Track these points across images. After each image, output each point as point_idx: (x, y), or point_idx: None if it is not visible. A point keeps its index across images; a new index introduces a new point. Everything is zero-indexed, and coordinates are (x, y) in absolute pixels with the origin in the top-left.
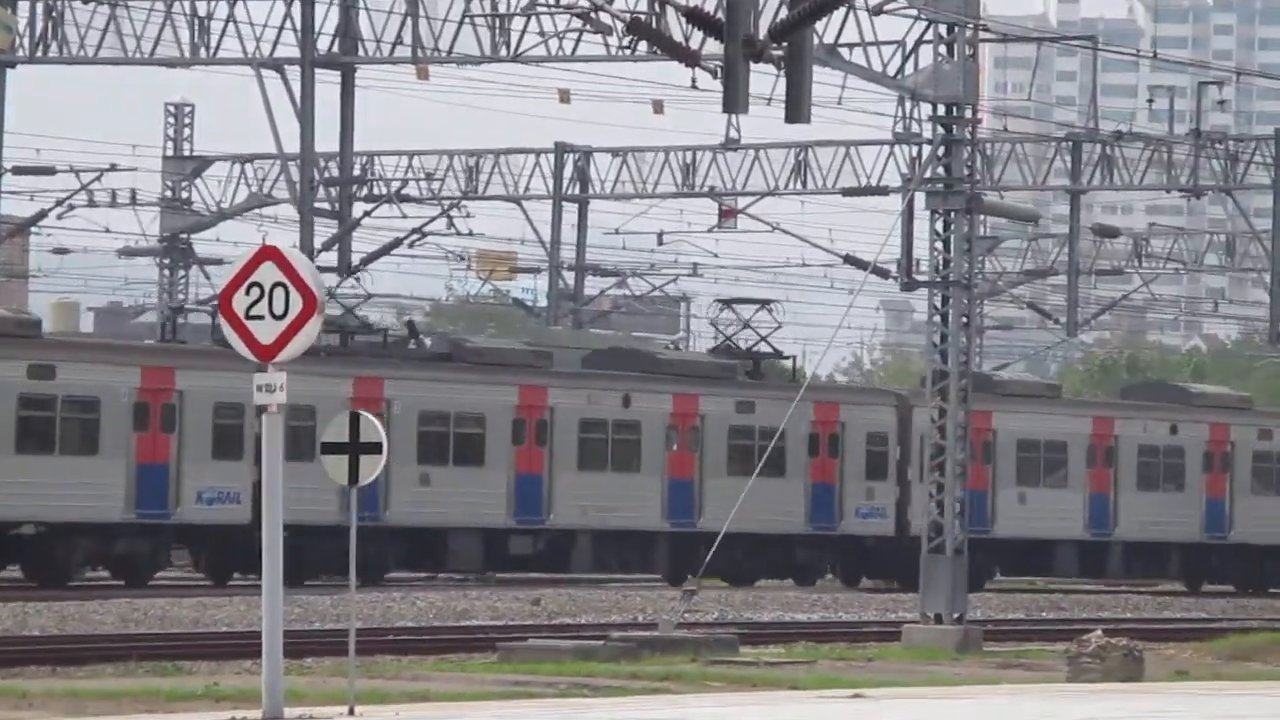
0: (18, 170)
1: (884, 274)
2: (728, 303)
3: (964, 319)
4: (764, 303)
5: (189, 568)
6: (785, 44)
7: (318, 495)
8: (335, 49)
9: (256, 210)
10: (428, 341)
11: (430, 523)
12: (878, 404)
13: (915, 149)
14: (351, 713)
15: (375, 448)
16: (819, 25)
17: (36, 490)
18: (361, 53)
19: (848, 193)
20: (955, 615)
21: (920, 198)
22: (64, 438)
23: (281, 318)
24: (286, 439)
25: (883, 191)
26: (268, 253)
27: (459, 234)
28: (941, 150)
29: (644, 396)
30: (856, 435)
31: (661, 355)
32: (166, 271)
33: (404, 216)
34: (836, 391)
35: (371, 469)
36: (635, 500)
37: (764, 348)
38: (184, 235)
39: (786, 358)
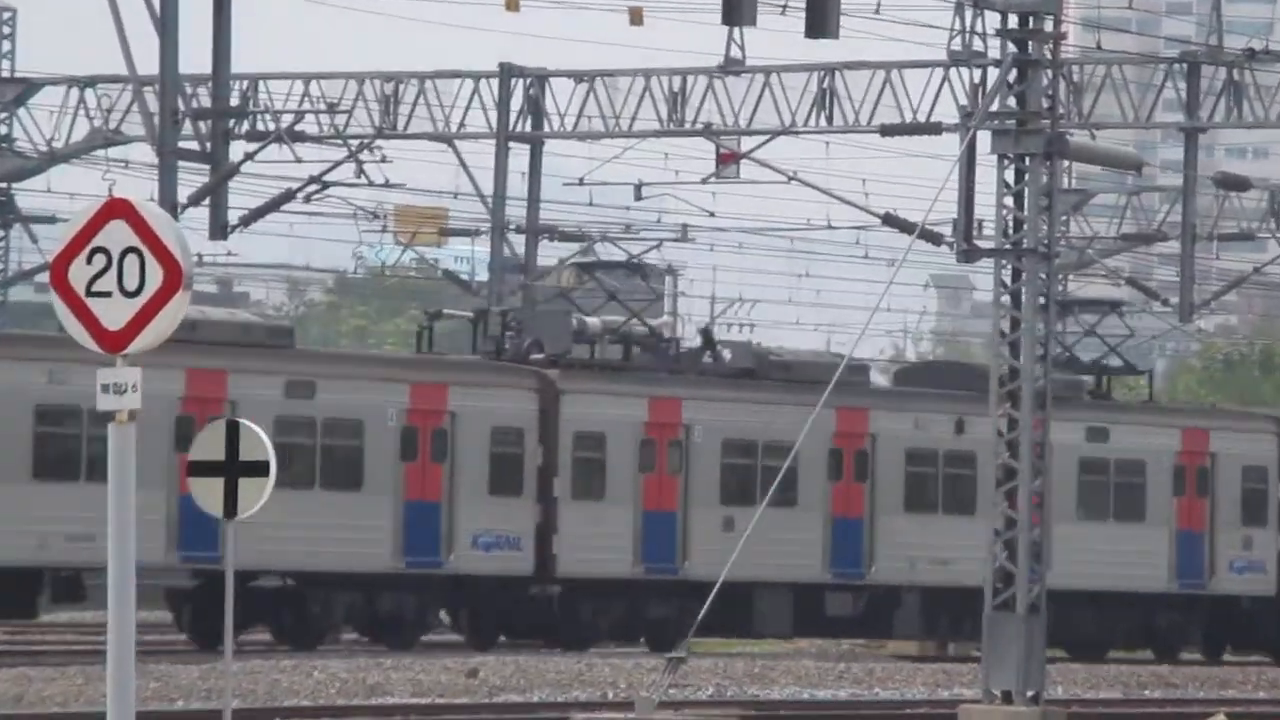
0: None
1: (935, 239)
2: (1069, 305)
3: (1041, 299)
4: (1114, 305)
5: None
6: None
7: (608, 542)
8: None
9: (101, 151)
10: (726, 354)
11: (735, 576)
12: (1256, 430)
13: (978, 74)
14: None
15: (260, 468)
16: None
17: (290, 533)
18: None
19: (887, 131)
20: (1029, 693)
21: (984, 138)
22: (325, 469)
23: (135, 295)
24: (579, 474)
25: (934, 130)
26: (116, 208)
27: (371, 184)
28: (1013, 75)
29: (980, 421)
30: (1230, 470)
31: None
32: None
33: (298, 161)
34: (1204, 416)
35: (255, 497)
36: (969, 550)
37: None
38: (2, 184)
39: (1141, 373)
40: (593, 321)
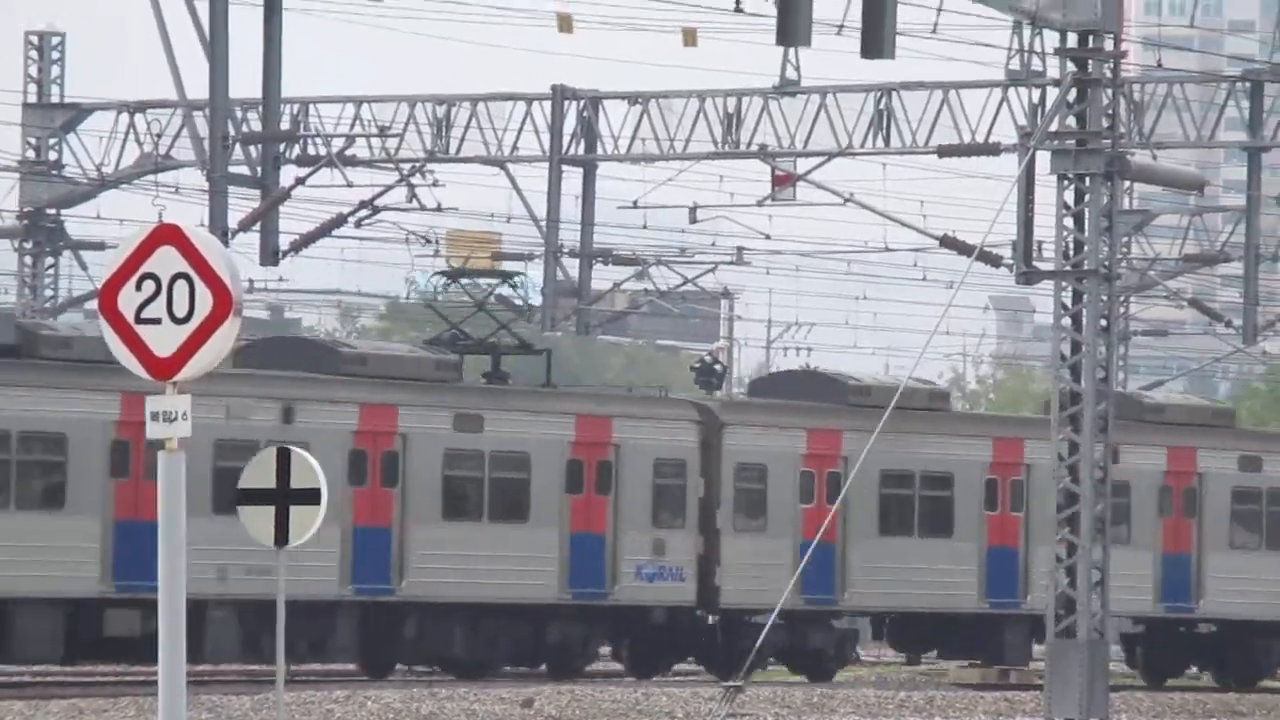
0: None
1: (994, 261)
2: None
3: (1103, 321)
4: None
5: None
6: None
7: None
8: None
9: (151, 176)
10: None
11: None
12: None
13: (1036, 94)
14: None
15: (311, 495)
16: None
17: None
18: None
19: (945, 152)
20: None
21: (1044, 159)
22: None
23: (184, 321)
24: None
25: (992, 150)
26: (166, 233)
27: (423, 208)
28: (1073, 95)
29: None
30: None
31: None
32: (28, 259)
33: (349, 185)
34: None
35: (306, 525)
36: None
37: None
38: (52, 210)
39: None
40: None
